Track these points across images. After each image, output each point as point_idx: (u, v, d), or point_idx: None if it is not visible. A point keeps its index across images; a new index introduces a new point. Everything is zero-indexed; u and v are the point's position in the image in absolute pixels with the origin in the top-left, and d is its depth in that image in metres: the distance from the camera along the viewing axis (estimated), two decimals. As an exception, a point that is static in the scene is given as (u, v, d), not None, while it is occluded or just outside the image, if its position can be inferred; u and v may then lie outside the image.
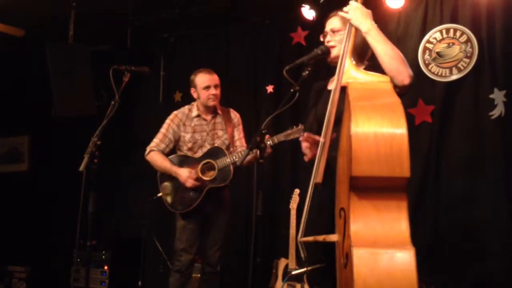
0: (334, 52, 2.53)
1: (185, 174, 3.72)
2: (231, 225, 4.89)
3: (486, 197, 3.94)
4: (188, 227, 3.81)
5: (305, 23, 4.78)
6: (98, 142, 3.03)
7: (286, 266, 4.21)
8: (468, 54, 4.10)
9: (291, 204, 4.24)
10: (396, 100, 2.08)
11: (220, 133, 3.90)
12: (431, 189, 4.14)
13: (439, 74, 4.20)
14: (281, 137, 3.54)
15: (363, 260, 1.92)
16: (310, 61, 2.48)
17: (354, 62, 2.31)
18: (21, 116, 6.36)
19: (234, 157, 3.69)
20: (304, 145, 2.53)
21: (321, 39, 2.63)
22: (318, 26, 4.60)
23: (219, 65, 5.29)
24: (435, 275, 3.95)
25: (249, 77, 5.15)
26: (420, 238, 4.09)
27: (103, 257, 5.01)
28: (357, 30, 2.35)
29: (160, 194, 3.93)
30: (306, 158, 2.54)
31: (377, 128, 1.99)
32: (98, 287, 4.96)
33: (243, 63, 5.21)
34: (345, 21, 2.44)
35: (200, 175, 3.74)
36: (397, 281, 1.89)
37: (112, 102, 3.17)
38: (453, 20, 4.18)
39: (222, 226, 3.86)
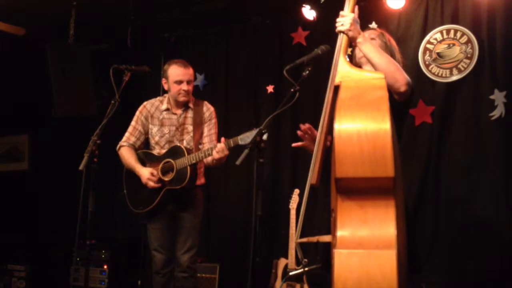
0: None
1: (146, 175, 3.55)
2: (233, 224, 4.96)
3: (486, 197, 3.94)
4: (153, 227, 3.67)
5: (305, 23, 4.77)
6: (98, 141, 3.04)
7: (286, 266, 4.21)
8: (469, 55, 4.10)
9: (290, 204, 4.25)
10: (383, 97, 2.03)
11: (190, 128, 3.70)
12: (431, 190, 4.14)
13: (440, 74, 4.20)
14: (237, 140, 3.26)
15: (343, 261, 1.89)
16: (311, 61, 2.48)
17: (348, 60, 2.30)
18: (21, 115, 6.35)
19: (192, 159, 3.46)
20: (300, 133, 2.67)
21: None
22: (318, 26, 4.64)
23: (220, 65, 5.29)
24: (436, 275, 3.95)
25: (249, 77, 5.14)
26: (421, 238, 4.10)
27: (103, 256, 5.01)
28: (350, 40, 2.39)
29: (125, 191, 3.79)
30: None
31: (361, 128, 1.95)
32: (98, 286, 4.95)
33: (243, 63, 5.19)
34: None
35: (161, 175, 3.57)
36: (377, 282, 1.86)
37: (112, 102, 3.18)
38: (454, 21, 4.18)
39: (190, 228, 3.62)
